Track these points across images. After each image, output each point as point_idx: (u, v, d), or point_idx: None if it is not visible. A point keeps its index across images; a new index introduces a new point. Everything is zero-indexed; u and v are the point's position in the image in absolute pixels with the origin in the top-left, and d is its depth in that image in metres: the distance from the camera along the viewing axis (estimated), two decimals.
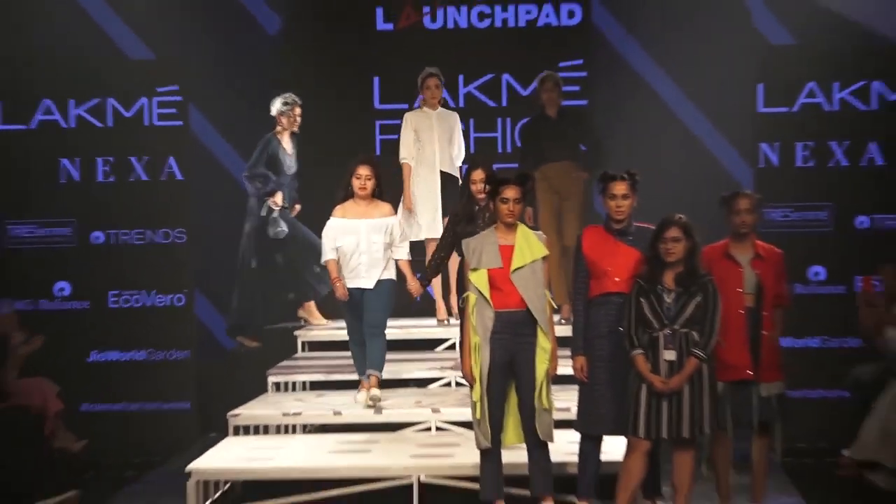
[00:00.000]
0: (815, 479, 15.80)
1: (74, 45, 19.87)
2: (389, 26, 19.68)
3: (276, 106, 18.29)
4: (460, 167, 17.49)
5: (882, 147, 18.57)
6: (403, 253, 15.31)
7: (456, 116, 17.84)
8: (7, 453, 15.03)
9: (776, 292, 13.38)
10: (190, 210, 19.16)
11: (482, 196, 14.54)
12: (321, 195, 17.27)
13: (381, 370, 15.33)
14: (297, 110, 18.30)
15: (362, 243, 15.09)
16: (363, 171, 15.14)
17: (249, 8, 20.54)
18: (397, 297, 15.60)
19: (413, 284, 15.35)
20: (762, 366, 13.23)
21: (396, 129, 18.94)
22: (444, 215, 16.90)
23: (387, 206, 15.32)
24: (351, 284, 15.15)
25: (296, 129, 18.40)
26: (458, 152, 17.43)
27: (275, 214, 18.09)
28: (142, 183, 19.04)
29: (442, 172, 17.38)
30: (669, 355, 12.69)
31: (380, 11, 19.65)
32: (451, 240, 14.93)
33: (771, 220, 17.57)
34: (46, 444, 16.14)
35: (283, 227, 17.98)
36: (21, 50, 19.66)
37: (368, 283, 15.13)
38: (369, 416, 15.43)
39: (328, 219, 15.48)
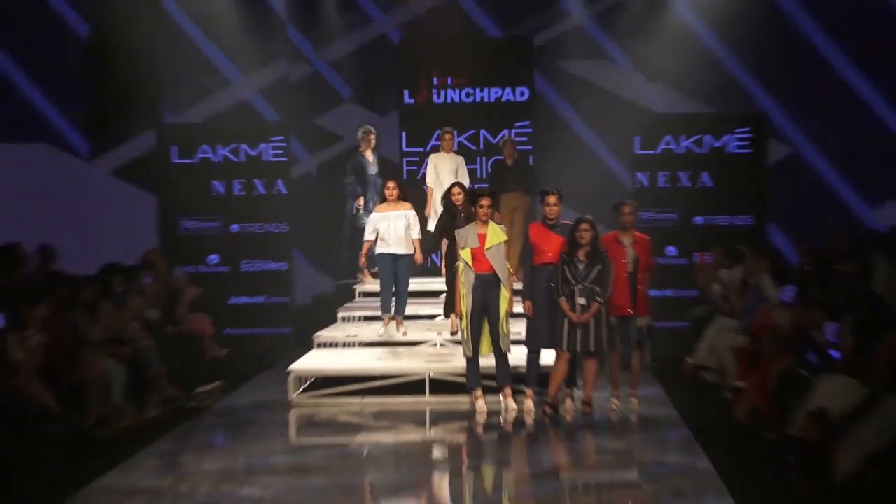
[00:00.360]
0: (669, 376, 15.78)
1: (220, 111, 19.77)
2: (412, 101, 19.52)
3: (359, 134, 18.05)
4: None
5: (710, 175, 18.66)
6: (416, 233, 15.25)
7: (461, 158, 17.64)
8: (181, 359, 14.96)
9: (646, 263, 13.48)
10: (291, 211, 19.15)
11: (459, 202, 14.69)
12: None
13: (403, 315, 15.41)
14: (371, 135, 17.92)
15: (391, 226, 15.09)
16: (390, 184, 15.30)
17: (334, 86, 20.33)
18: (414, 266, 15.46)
19: (418, 255, 15.28)
20: (638, 307, 13.33)
21: (416, 164, 18.91)
22: None
23: (407, 204, 15.31)
24: (386, 251, 15.13)
25: (371, 147, 17.92)
26: (463, 181, 16.68)
27: (358, 212, 17.79)
28: (261, 195, 19.05)
29: None
30: (581, 301, 12.85)
31: (406, 92, 19.48)
32: (441, 229, 14.98)
33: (643, 219, 17.52)
34: (204, 353, 16.08)
35: (363, 222, 17.49)
36: (188, 115, 19.62)
37: (397, 251, 15.09)
38: (398, 337, 15.39)
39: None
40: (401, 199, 15.31)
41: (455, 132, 17.72)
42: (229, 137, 19.04)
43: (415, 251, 15.26)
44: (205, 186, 19.00)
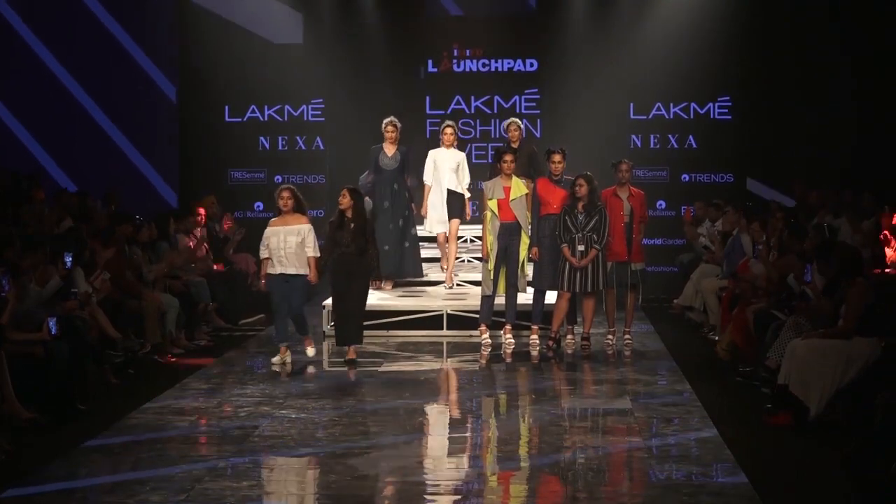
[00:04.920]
0: (659, 315, 15.63)
1: (268, 76, 19.21)
2: (435, 69, 19.10)
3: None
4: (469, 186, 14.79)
5: (695, 138, 18.44)
6: (311, 250, 12.34)
7: (463, 155, 14.98)
8: (227, 294, 14.86)
9: (640, 215, 13.20)
10: (327, 164, 18.81)
11: (343, 205, 12.33)
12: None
13: (310, 333, 12.85)
14: (387, 129, 14.50)
15: (281, 242, 12.23)
16: (284, 193, 12.37)
17: (358, 59, 19.70)
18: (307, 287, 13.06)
19: (312, 274, 12.31)
20: (632, 253, 13.05)
21: (437, 125, 18.38)
22: (450, 218, 14.51)
23: (303, 218, 12.41)
24: (274, 271, 12.31)
25: (390, 140, 14.52)
26: (464, 178, 14.66)
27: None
28: (302, 151, 18.78)
29: (448, 190, 14.55)
30: (581, 247, 12.66)
31: (430, 61, 19.03)
32: (330, 244, 12.41)
33: (637, 175, 16.97)
34: (248, 289, 15.89)
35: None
36: (242, 81, 18.97)
37: (287, 270, 12.24)
38: (423, 279, 14.92)
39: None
40: (297, 212, 12.41)
41: (456, 126, 15.06)
42: (275, 99, 18.73)
43: (310, 270, 12.32)
44: (253, 142, 18.74)
